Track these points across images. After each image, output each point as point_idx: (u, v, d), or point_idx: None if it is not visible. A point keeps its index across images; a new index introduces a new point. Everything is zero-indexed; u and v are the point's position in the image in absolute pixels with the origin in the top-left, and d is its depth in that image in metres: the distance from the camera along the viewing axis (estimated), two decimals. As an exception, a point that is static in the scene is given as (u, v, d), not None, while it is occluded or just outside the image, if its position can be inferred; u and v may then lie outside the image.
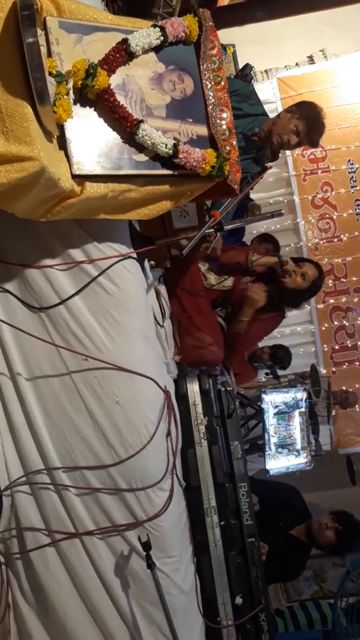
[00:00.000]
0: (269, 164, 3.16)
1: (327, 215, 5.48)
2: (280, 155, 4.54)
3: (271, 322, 3.12)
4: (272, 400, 4.20)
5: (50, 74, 1.66)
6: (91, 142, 1.82)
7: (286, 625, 3.86)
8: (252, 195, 4.58)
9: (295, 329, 5.43)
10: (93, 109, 1.83)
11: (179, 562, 2.35)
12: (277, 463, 4.18)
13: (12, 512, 2.19)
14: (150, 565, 2.07)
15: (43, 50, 1.56)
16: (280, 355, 4.38)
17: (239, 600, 2.56)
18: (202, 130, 2.05)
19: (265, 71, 5.54)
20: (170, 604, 2.12)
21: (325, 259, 5.42)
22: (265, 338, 3.70)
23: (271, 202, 5.38)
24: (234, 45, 5.13)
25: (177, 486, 2.37)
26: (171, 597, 2.21)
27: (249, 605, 2.58)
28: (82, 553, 2.19)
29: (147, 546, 2.08)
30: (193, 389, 2.70)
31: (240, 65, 4.98)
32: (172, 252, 2.48)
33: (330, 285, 5.42)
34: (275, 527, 3.17)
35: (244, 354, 4.07)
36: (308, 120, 2.82)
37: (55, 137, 1.75)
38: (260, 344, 4.39)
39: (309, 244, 5.45)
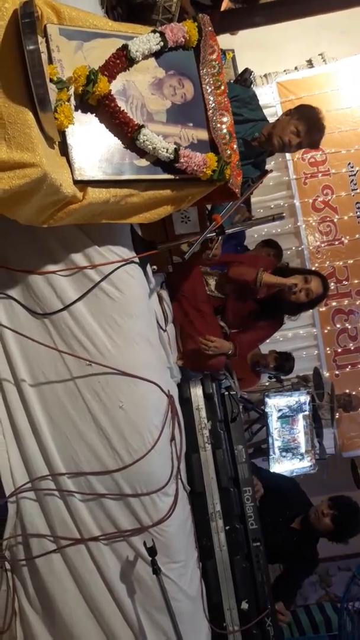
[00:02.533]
0: (268, 168, 3.16)
1: (328, 218, 5.50)
2: (280, 158, 4.55)
3: (268, 330, 3.11)
4: (276, 404, 4.20)
5: (51, 80, 1.68)
6: (92, 147, 1.83)
7: (291, 631, 3.85)
8: (253, 199, 4.58)
9: (298, 332, 5.43)
10: (94, 114, 1.84)
11: (185, 567, 2.34)
12: (282, 467, 4.18)
13: (17, 518, 2.19)
14: (156, 570, 2.07)
15: (44, 57, 1.58)
16: (287, 369, 4.37)
17: (244, 605, 2.55)
18: (203, 134, 2.06)
19: (265, 75, 5.57)
20: (176, 609, 2.11)
21: (327, 262, 5.44)
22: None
23: (272, 205, 5.41)
24: (233, 50, 5.17)
25: (182, 491, 2.36)
26: (177, 602, 2.21)
27: (255, 611, 2.57)
28: (88, 559, 2.18)
29: (152, 551, 2.08)
30: (196, 393, 2.69)
31: (240, 70, 4.99)
32: (173, 258, 2.48)
33: (332, 288, 5.42)
34: (277, 524, 3.15)
35: (246, 358, 4.08)
36: (307, 121, 2.82)
37: (57, 143, 1.76)
38: (266, 347, 4.39)
39: (310, 247, 5.46)
